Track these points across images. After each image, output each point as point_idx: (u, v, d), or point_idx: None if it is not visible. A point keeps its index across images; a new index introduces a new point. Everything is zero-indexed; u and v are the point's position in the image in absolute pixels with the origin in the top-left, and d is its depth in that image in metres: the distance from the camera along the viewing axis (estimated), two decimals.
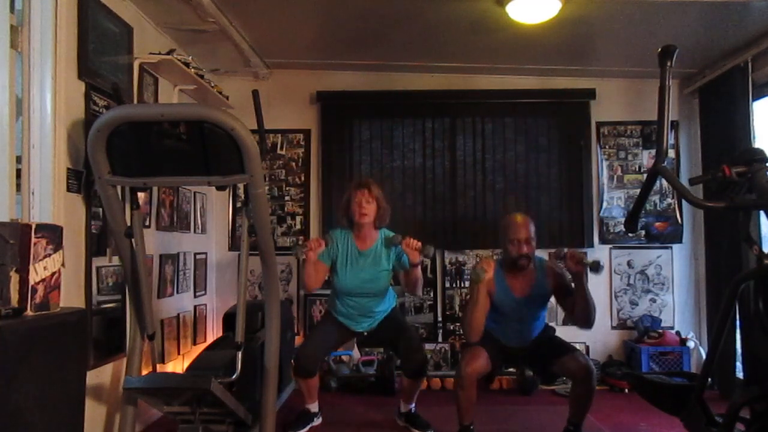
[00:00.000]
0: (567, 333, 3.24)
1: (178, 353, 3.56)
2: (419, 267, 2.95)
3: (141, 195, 2.87)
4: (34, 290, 1.83)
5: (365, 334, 3.15)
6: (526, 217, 2.83)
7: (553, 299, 2.92)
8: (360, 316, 3.07)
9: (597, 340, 4.19)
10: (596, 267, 2.60)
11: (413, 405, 3.14)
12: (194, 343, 3.83)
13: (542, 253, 2.99)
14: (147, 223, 3.14)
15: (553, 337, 2.92)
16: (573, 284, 2.75)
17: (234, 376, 2.29)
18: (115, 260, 2.72)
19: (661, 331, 4.01)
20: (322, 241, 2.97)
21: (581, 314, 2.73)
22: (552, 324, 3.12)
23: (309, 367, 2.98)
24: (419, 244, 2.85)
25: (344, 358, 3.94)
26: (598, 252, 4.23)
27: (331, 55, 4.05)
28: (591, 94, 4.23)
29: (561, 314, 4.14)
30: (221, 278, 4.25)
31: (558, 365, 2.73)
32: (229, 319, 3.16)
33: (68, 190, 2.41)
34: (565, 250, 2.76)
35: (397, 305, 3.24)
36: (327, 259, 3.02)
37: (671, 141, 4.20)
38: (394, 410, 3.21)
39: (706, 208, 3.08)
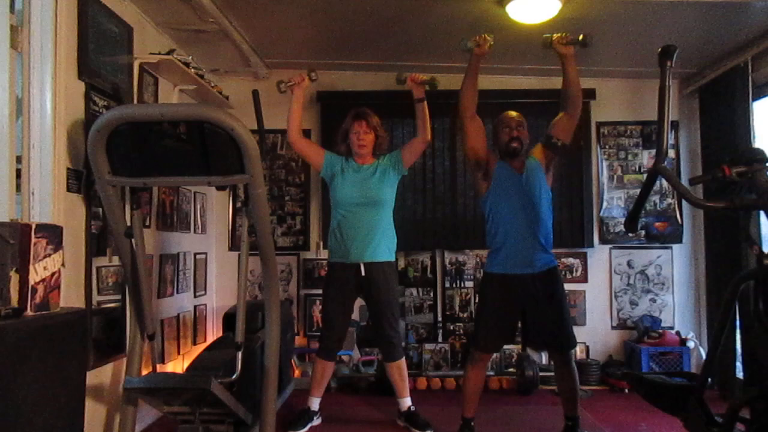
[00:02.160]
0: None
1: (178, 353, 3.56)
2: (425, 103, 3.07)
3: (141, 195, 2.87)
4: (34, 290, 1.83)
5: (363, 273, 3.02)
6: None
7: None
8: (358, 239, 3.02)
9: (597, 340, 4.19)
10: (585, 42, 2.60)
11: (411, 403, 3.13)
12: (194, 343, 3.83)
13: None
14: (147, 223, 3.14)
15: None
16: (564, 64, 2.77)
17: (234, 376, 2.29)
18: (115, 260, 2.72)
19: (661, 331, 4.01)
20: (305, 75, 3.06)
21: (573, 94, 2.79)
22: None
23: (334, 348, 3.10)
24: (423, 77, 2.98)
25: (344, 358, 3.94)
26: (598, 252, 4.23)
27: (331, 55, 4.05)
28: (591, 94, 4.22)
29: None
30: (221, 278, 4.25)
31: (549, 348, 2.85)
32: (229, 319, 3.16)
33: (68, 190, 2.41)
34: (553, 36, 2.74)
35: (395, 261, 3.18)
36: (327, 156, 3.15)
37: (671, 141, 4.20)
38: (394, 410, 3.21)
39: (706, 208, 3.08)
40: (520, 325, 2.97)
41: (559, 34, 2.71)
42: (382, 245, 3.07)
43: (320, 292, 3.93)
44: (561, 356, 2.79)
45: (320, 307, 4.16)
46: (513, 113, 2.89)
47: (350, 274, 3.05)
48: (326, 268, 3.27)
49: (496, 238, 2.82)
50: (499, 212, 2.81)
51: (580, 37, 2.63)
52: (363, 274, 3.03)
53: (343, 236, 3.07)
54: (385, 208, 3.11)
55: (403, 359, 3.15)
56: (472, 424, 2.80)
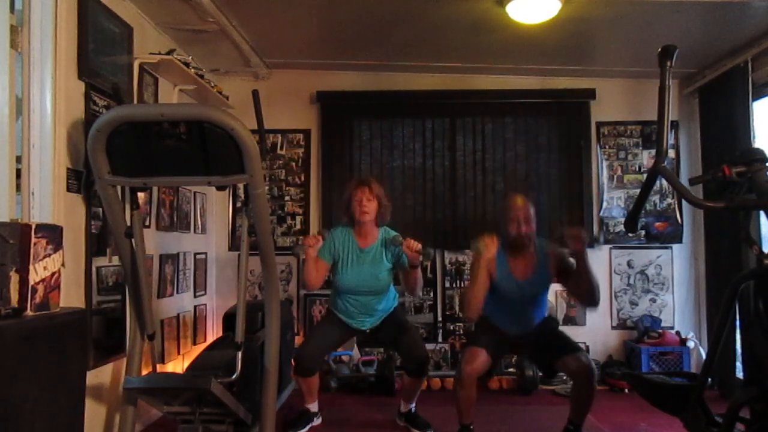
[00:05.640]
0: (567, 332, 3.22)
1: (178, 353, 3.56)
2: (419, 269, 2.93)
3: (141, 195, 2.87)
4: (34, 290, 1.83)
5: (367, 332, 3.13)
6: (526, 198, 2.85)
7: (553, 296, 2.92)
8: (362, 315, 3.06)
9: (597, 340, 4.19)
10: (592, 240, 2.64)
11: (413, 405, 3.14)
12: (194, 343, 3.83)
13: None
14: (147, 223, 3.14)
15: (556, 331, 2.91)
16: (575, 263, 2.71)
17: (234, 376, 2.29)
18: (115, 260, 2.72)
19: (661, 331, 4.01)
20: (319, 237, 2.97)
21: (585, 293, 2.73)
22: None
23: (309, 367, 2.99)
24: (419, 246, 2.83)
25: (344, 358, 3.94)
26: (598, 251, 4.23)
27: (331, 55, 4.05)
28: (591, 94, 4.23)
29: (561, 313, 4.15)
30: (221, 278, 4.25)
31: (560, 362, 2.73)
32: (229, 319, 3.16)
33: (68, 190, 2.41)
34: (563, 231, 2.75)
35: (398, 305, 3.23)
36: (328, 257, 3.01)
37: (671, 141, 4.20)
38: (394, 410, 3.21)
39: (706, 208, 3.08)
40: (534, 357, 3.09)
41: (569, 230, 2.72)
42: (387, 307, 3.11)
43: (320, 292, 3.93)
44: (579, 365, 2.64)
45: (320, 307, 4.17)
46: (520, 202, 2.80)
47: (352, 329, 3.11)
48: (324, 310, 3.30)
49: (489, 315, 2.84)
50: (493, 304, 2.82)
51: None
52: (367, 332, 3.14)
53: (348, 311, 3.06)
54: (387, 285, 3.08)
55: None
56: (471, 427, 2.77)
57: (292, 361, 3.08)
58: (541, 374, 3.75)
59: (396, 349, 3.30)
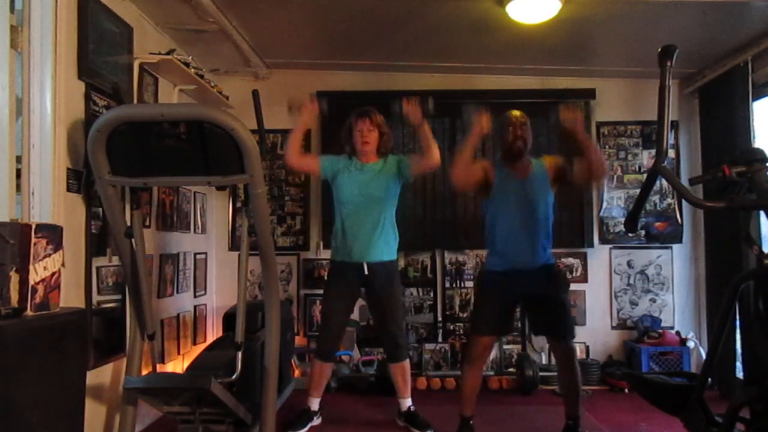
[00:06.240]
0: None
1: (178, 353, 3.56)
2: (425, 127, 2.95)
3: (141, 195, 2.87)
4: (34, 290, 1.83)
5: (366, 274, 3.01)
6: (523, 113, 2.88)
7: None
8: (361, 245, 3.01)
9: (597, 340, 4.19)
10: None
11: (411, 403, 3.14)
12: (194, 343, 3.83)
13: None
14: (147, 223, 3.14)
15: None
16: (578, 142, 2.70)
17: (234, 376, 2.29)
18: (115, 260, 2.72)
19: (661, 331, 4.01)
20: (317, 103, 3.08)
21: (593, 165, 2.68)
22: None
23: (331, 349, 3.07)
24: (416, 99, 2.89)
25: (344, 358, 3.94)
26: (598, 252, 4.23)
27: (331, 55, 4.05)
28: (591, 94, 4.23)
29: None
30: (221, 278, 4.25)
31: (548, 340, 2.84)
32: (229, 319, 3.16)
33: (68, 190, 2.41)
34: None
35: (397, 262, 3.20)
36: (324, 159, 3.14)
37: (671, 141, 4.20)
38: (394, 410, 3.21)
39: (706, 208, 3.08)
40: (524, 315, 3.03)
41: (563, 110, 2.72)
42: (385, 245, 3.07)
43: (320, 292, 3.93)
44: (562, 350, 2.75)
45: (320, 307, 4.17)
46: (516, 113, 2.87)
47: (353, 273, 3.04)
48: (327, 268, 3.26)
49: (494, 242, 2.85)
50: (498, 217, 2.83)
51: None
52: (366, 273, 3.02)
53: (346, 235, 3.06)
54: (387, 206, 3.10)
55: (408, 360, 3.15)
56: (471, 423, 2.81)
57: (293, 360, 3.09)
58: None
59: (377, 320, 3.23)
